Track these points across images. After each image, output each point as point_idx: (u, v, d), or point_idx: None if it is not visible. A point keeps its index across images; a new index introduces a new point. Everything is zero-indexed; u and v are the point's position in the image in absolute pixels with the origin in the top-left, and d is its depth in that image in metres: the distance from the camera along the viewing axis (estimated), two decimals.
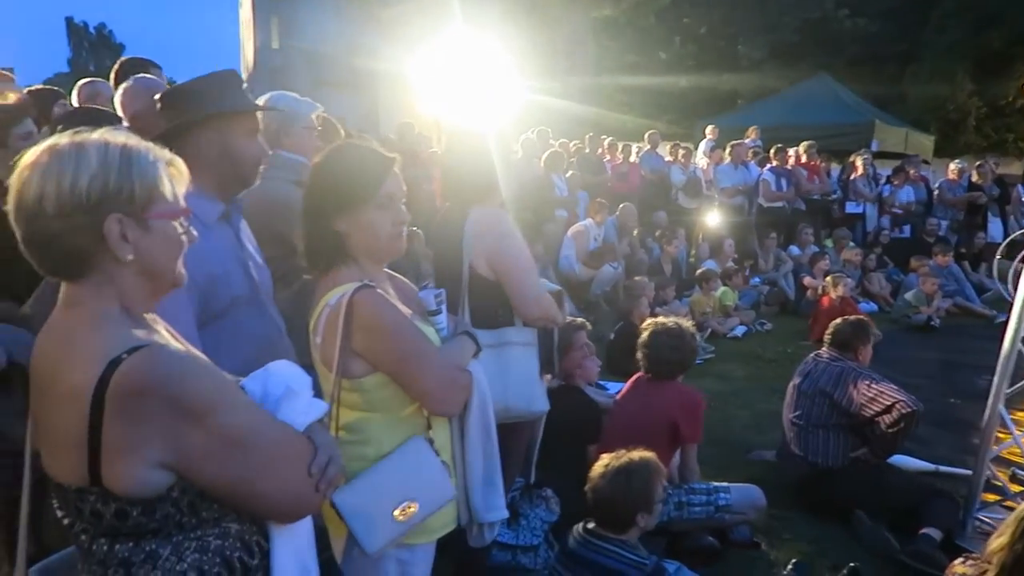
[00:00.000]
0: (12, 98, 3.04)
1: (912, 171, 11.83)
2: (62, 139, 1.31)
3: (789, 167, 11.19)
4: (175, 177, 1.40)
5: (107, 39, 56.40)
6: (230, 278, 2.04)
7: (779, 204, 10.87)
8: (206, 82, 2.08)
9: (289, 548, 1.48)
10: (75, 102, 4.09)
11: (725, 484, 3.74)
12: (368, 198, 1.92)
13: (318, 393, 1.68)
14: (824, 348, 4.30)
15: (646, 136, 11.89)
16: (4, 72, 4.02)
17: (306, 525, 1.53)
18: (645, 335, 3.72)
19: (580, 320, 4.18)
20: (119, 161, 1.31)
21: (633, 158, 11.72)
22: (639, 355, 3.78)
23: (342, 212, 1.93)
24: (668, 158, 11.70)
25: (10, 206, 1.30)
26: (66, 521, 1.36)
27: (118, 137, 1.35)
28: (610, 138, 12.22)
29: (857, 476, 3.97)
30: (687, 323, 3.85)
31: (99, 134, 1.33)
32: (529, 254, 2.70)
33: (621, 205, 9.41)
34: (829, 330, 4.30)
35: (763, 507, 3.74)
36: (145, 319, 1.41)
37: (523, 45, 18.40)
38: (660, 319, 3.87)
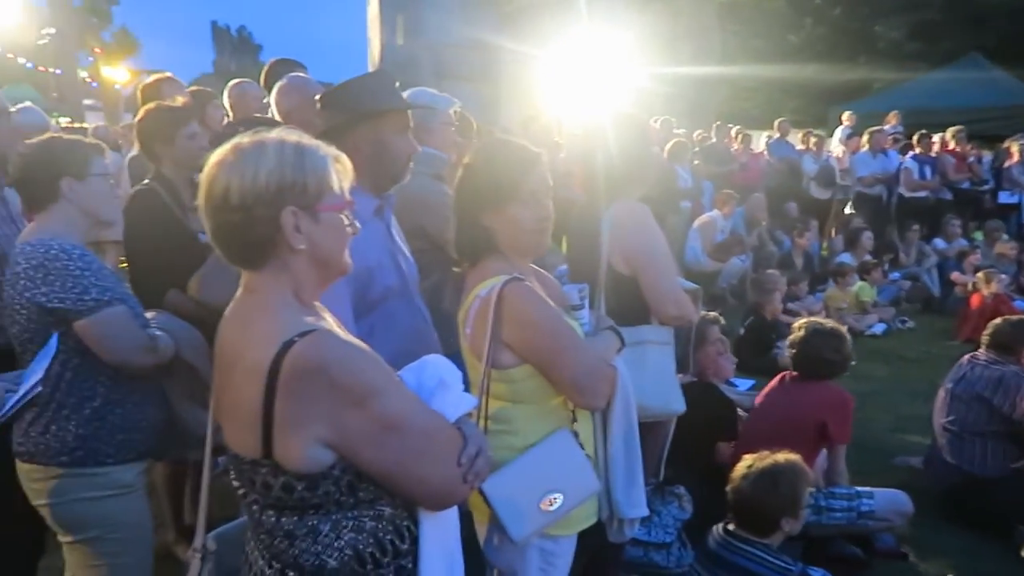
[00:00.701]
0: (180, 101, 3.27)
1: None
2: (244, 139, 1.41)
3: (934, 154, 10.46)
4: (341, 172, 1.47)
5: (247, 40, 59.91)
6: (383, 271, 2.12)
7: (922, 194, 10.19)
8: (361, 83, 2.16)
9: (436, 535, 1.52)
10: (226, 101, 4.33)
11: (868, 489, 3.55)
12: (512, 194, 1.95)
13: (467, 385, 1.72)
14: (981, 350, 4.00)
15: (776, 124, 11.43)
16: (172, 77, 4.34)
17: (453, 515, 1.56)
18: (801, 333, 3.56)
19: (713, 314, 4.07)
20: (294, 157, 1.39)
21: (760, 147, 11.29)
22: (789, 353, 3.63)
23: (488, 208, 1.97)
24: (799, 146, 11.20)
25: (200, 200, 1.40)
26: (241, 491, 1.47)
27: (292, 136, 1.43)
28: (737, 127, 11.82)
29: (1018, 488, 3.68)
30: (842, 327, 3.69)
31: (276, 133, 1.43)
32: (668, 252, 2.65)
33: (752, 195, 9.09)
34: (988, 330, 4.00)
35: (909, 513, 3.53)
36: (315, 306, 1.50)
37: (646, 34, 18.05)
38: (816, 319, 3.72)
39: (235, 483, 1.48)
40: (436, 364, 1.60)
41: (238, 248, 1.41)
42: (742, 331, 6.32)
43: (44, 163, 2.22)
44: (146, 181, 3.13)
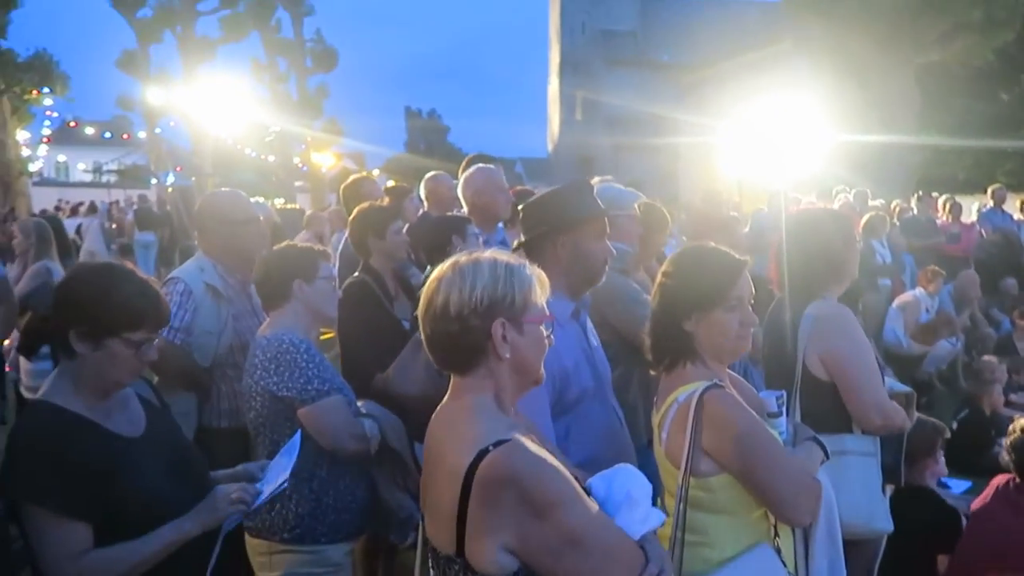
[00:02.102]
0: (386, 201, 3.61)
1: None
2: (462, 257, 1.59)
3: None
4: (541, 288, 1.62)
5: (436, 121, 64.30)
6: (579, 372, 2.18)
7: None
8: (561, 192, 2.29)
9: None
10: (422, 191, 4.76)
11: None
12: (719, 300, 1.96)
13: (657, 495, 1.72)
14: None
15: (989, 191, 10.47)
16: (369, 177, 4.82)
17: None
18: (1020, 434, 3.16)
19: (940, 424, 3.71)
20: (505, 274, 1.56)
21: (970, 216, 10.36)
22: (1008, 456, 3.24)
23: (693, 312, 1.98)
24: (1017, 215, 10.17)
25: (420, 311, 1.59)
26: None
27: (503, 255, 1.61)
28: (944, 195, 10.96)
29: None
30: None
31: (490, 253, 1.61)
32: (872, 357, 2.50)
33: (963, 271, 8.33)
34: None
35: None
36: (511, 412, 1.61)
37: (836, 99, 17.36)
38: None
39: (432, 572, 1.60)
40: (627, 475, 1.64)
41: (451, 354, 1.57)
42: (955, 425, 5.72)
43: (281, 267, 2.52)
44: (356, 274, 3.46)
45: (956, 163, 22.03)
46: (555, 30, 45.85)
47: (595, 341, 2.38)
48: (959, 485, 4.85)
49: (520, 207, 2.35)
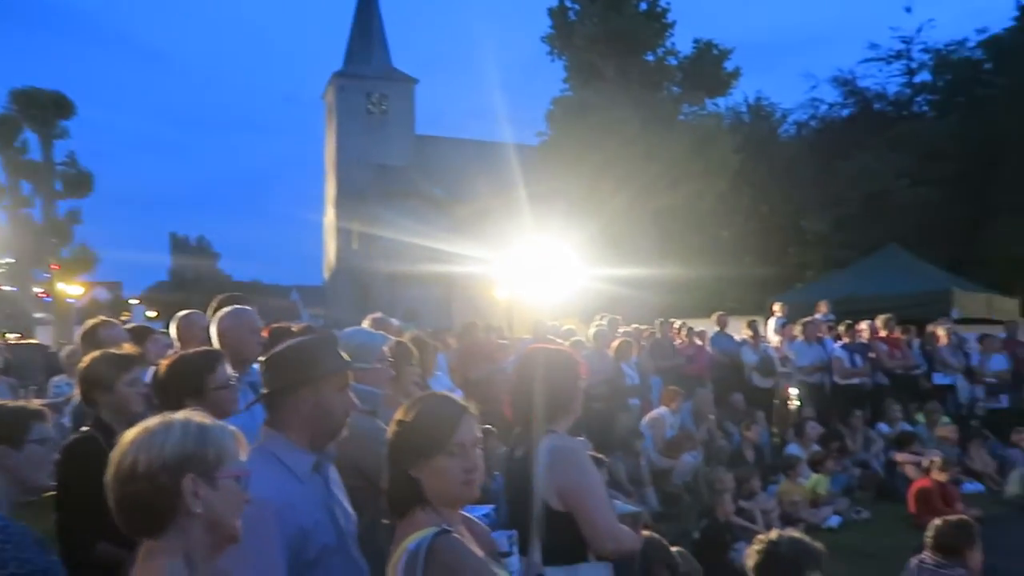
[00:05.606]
0: (127, 348, 3.37)
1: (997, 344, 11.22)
2: (153, 420, 1.58)
3: (865, 340, 10.95)
4: (239, 445, 1.65)
5: (206, 248, 61.48)
6: (320, 529, 2.13)
7: (856, 381, 10.52)
8: (303, 346, 2.27)
9: None
10: (173, 331, 4.52)
11: None
12: (440, 446, 2.03)
13: None
14: (926, 552, 4.02)
15: (714, 317, 11.95)
16: (108, 320, 4.50)
17: None
18: (757, 559, 2.83)
19: (656, 537, 4.02)
20: (196, 431, 1.58)
21: (702, 339, 11.70)
22: None
23: (417, 460, 2.04)
24: (739, 336, 11.63)
25: (108, 475, 1.53)
26: None
27: (197, 416, 1.62)
28: (679, 321, 12.32)
29: None
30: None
31: (183, 413, 1.61)
32: (602, 486, 2.70)
33: (698, 390, 9.31)
34: (929, 532, 4.04)
35: None
36: (204, 573, 1.58)
37: (587, 238, 19.13)
38: (775, 533, 3.55)
39: None
40: None
41: (140, 517, 1.53)
42: (697, 535, 6.24)
43: None
44: (84, 428, 3.16)
45: (694, 291, 24.99)
46: (331, 162, 46.54)
47: (340, 494, 2.35)
48: None
49: (262, 358, 2.31)
